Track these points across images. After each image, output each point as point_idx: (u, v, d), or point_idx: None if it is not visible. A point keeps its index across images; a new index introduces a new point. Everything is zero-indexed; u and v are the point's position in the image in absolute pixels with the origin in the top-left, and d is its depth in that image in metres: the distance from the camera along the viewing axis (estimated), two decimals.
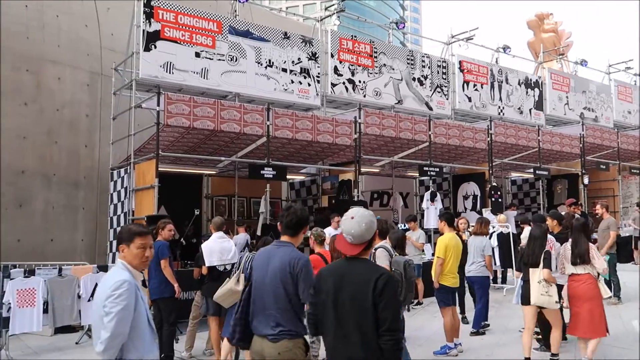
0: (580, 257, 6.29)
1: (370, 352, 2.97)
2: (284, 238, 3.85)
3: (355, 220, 3.19)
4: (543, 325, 6.94)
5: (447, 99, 15.56)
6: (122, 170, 10.89)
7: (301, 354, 3.66)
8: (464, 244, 8.21)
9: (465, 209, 15.48)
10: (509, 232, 11.47)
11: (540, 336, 7.22)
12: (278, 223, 4.00)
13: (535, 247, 6.29)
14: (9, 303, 7.43)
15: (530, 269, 6.27)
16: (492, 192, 14.12)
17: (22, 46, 12.20)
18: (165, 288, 7.16)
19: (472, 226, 11.86)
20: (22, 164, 12.16)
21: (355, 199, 11.97)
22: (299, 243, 3.88)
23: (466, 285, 8.73)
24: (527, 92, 17.66)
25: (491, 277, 9.59)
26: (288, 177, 12.93)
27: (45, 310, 7.65)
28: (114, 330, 3.00)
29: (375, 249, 6.03)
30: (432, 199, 13.26)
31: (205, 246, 7.29)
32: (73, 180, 12.82)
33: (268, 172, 10.67)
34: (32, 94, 12.44)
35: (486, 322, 8.34)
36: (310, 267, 3.76)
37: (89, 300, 7.93)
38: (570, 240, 6.48)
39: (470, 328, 8.19)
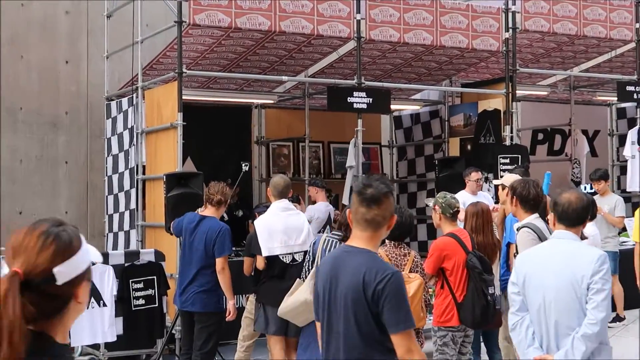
0: None
1: None
2: None
3: None
4: None
5: None
6: (125, 100, 11.15)
7: None
8: None
9: None
10: None
11: None
12: None
13: None
14: None
15: None
16: None
17: None
18: (210, 298, 7.45)
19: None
20: None
21: (507, 142, 11.75)
22: None
23: None
24: None
25: None
26: (392, 106, 12.78)
27: None
28: (608, 309, 4.32)
29: (518, 229, 6.09)
30: None
31: (262, 224, 7.41)
32: (50, 117, 13.29)
33: (359, 100, 10.64)
34: None
35: None
36: None
37: (86, 308, 8.32)
38: None
39: None
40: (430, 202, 6.95)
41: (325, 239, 6.78)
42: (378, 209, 3.68)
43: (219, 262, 7.50)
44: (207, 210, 7.71)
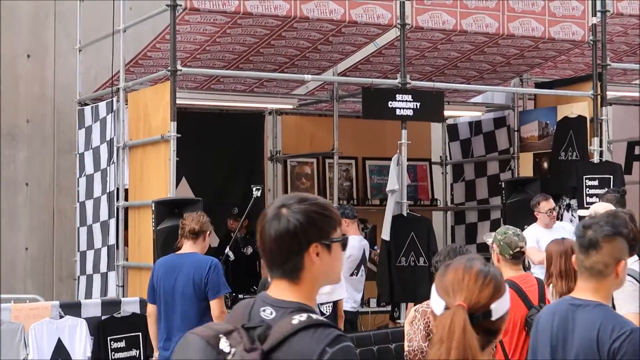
0: None
1: None
2: None
3: None
4: None
5: None
6: (102, 105, 11.18)
7: None
8: None
9: None
10: None
11: None
12: None
13: None
14: None
15: None
16: None
17: None
18: None
19: None
20: None
21: (595, 158, 11.75)
22: None
23: None
24: None
25: None
26: (446, 113, 12.79)
27: None
28: None
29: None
30: None
31: None
32: (6, 126, 13.36)
33: (403, 105, 10.70)
34: None
35: None
36: None
37: None
38: None
39: None
40: (490, 239, 6.87)
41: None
42: (597, 255, 3.92)
43: (216, 306, 7.46)
44: (184, 247, 7.71)
